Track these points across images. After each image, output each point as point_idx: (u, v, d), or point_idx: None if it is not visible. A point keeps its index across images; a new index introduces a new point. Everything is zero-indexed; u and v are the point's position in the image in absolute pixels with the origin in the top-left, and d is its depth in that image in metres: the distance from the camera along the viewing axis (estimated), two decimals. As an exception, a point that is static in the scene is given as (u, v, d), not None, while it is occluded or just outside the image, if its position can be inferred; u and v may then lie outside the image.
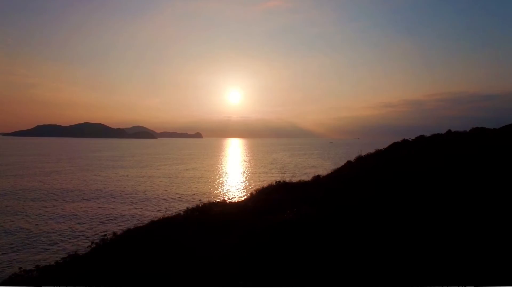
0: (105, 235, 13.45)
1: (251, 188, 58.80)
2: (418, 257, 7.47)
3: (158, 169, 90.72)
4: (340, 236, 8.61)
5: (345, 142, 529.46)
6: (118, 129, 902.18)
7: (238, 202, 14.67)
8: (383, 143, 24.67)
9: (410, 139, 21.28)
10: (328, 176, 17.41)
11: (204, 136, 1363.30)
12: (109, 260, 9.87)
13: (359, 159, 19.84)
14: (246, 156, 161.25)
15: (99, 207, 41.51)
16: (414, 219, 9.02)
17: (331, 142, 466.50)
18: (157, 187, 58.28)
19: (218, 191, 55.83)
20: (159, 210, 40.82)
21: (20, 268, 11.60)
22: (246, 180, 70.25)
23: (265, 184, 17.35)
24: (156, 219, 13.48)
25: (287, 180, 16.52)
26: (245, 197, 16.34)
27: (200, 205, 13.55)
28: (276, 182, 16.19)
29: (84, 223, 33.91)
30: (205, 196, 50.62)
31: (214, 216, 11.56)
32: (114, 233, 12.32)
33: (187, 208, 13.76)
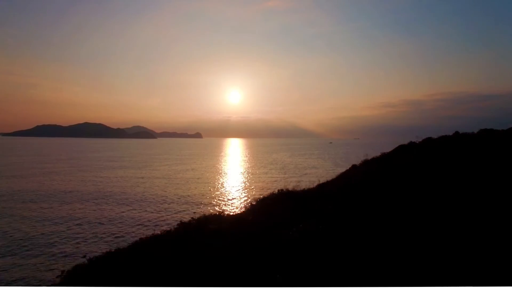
0: (85, 256, 12.36)
1: (251, 188, 58.52)
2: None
3: (157, 170, 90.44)
4: (349, 259, 8.07)
5: (345, 142, 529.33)
6: (118, 129, 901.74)
7: (237, 215, 13.81)
8: (383, 143, 24.35)
9: (417, 141, 20.12)
10: (333, 184, 16.66)
11: (204, 136, 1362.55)
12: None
13: (365, 163, 19.00)
14: (246, 156, 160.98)
15: (97, 209, 41.23)
16: (434, 242, 8.36)
17: (331, 142, 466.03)
18: (156, 188, 58.01)
19: (217, 193, 55.50)
20: (159, 211, 40.61)
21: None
22: (246, 181, 69.95)
23: (266, 192, 16.67)
24: (144, 236, 12.49)
25: (290, 188, 15.71)
26: (244, 208, 15.66)
27: (195, 219, 12.64)
28: (278, 191, 15.29)
29: (83, 225, 33.64)
30: (204, 198, 50.35)
31: (208, 235, 10.70)
32: (90, 259, 10.97)
33: (181, 222, 12.85)
